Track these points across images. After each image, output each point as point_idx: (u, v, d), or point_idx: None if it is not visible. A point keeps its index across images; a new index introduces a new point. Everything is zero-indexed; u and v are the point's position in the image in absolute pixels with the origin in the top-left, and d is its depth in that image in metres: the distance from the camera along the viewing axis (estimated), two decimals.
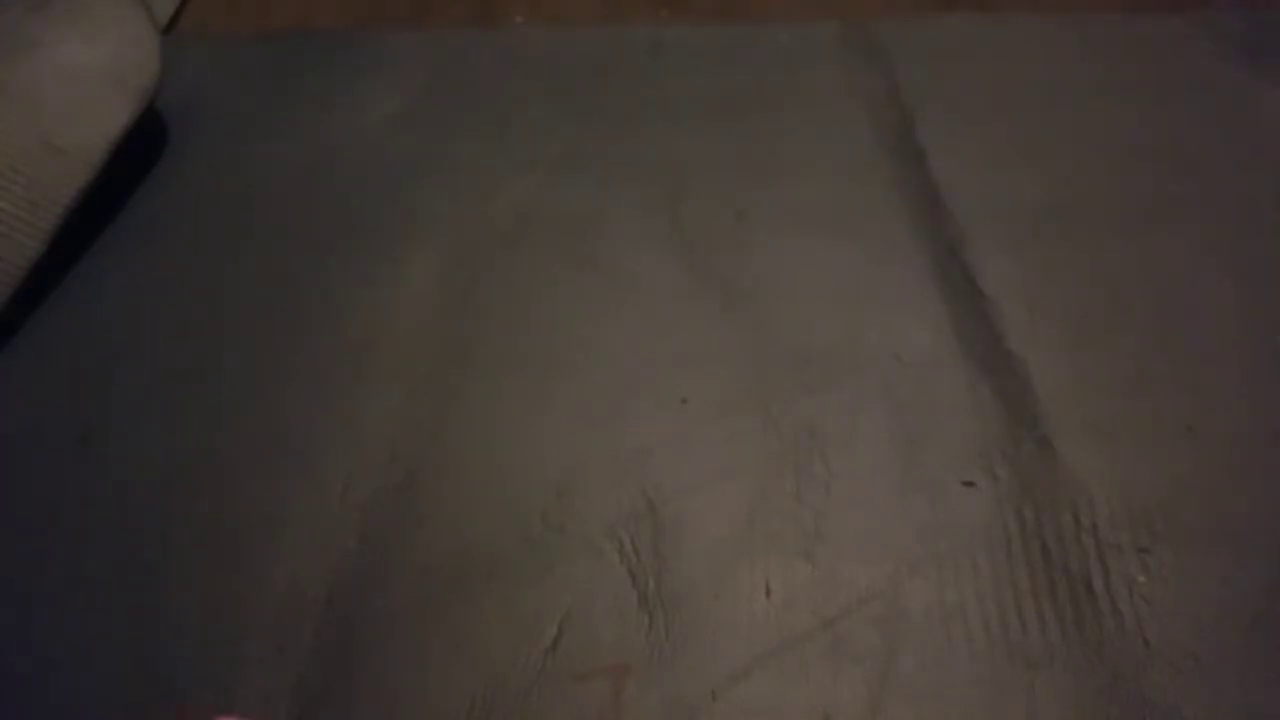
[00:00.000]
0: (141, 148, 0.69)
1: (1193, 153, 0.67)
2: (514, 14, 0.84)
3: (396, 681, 0.44)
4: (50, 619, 0.47)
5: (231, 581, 0.48)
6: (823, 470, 0.51)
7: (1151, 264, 0.60)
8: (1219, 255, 0.60)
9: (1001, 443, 0.51)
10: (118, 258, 0.64)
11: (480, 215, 0.65)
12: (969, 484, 0.50)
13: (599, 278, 0.61)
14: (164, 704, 0.43)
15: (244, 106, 0.75)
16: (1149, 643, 0.43)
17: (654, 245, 0.63)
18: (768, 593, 0.46)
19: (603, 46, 0.78)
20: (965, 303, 0.58)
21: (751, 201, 0.65)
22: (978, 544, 0.47)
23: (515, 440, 0.53)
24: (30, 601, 0.47)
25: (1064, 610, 0.45)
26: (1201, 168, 0.65)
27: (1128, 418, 0.52)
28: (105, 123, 0.64)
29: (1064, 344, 0.55)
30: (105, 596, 0.47)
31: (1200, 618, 0.44)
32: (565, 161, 0.69)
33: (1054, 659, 0.43)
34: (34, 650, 0.46)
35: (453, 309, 0.60)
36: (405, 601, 0.47)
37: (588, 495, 0.50)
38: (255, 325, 0.60)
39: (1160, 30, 0.76)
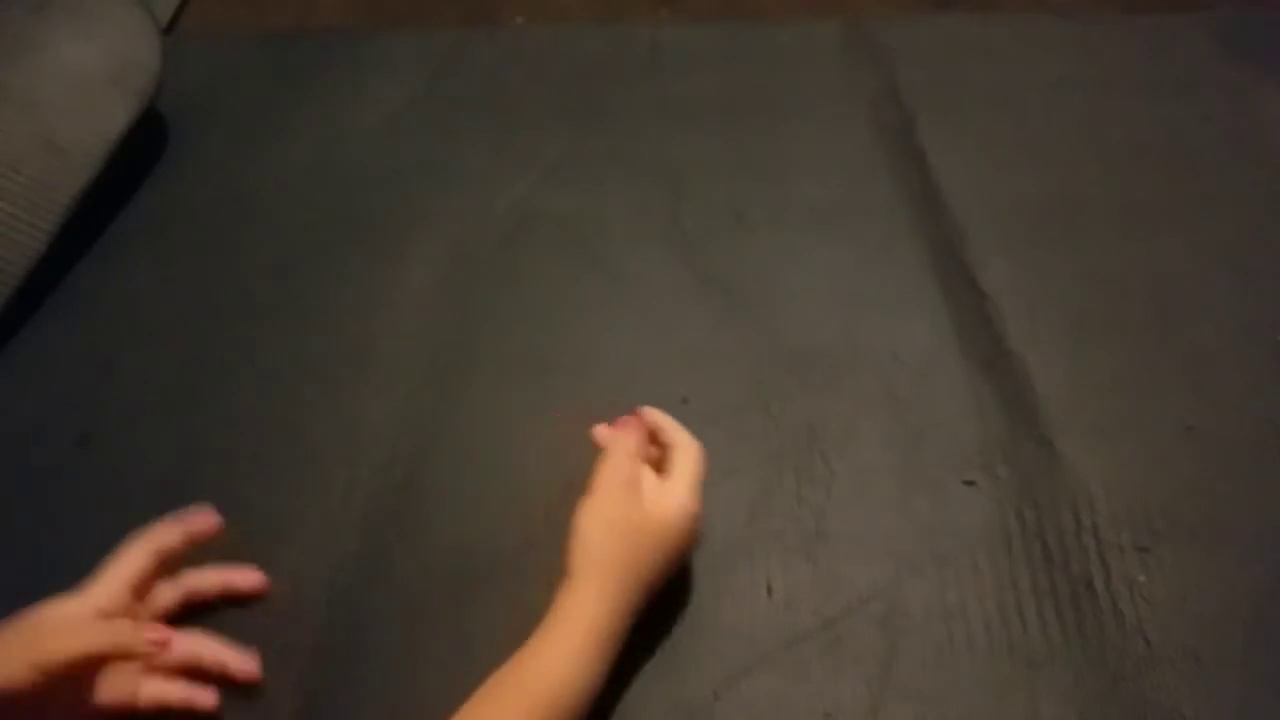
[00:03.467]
0: (141, 148, 0.69)
1: (1193, 153, 0.67)
2: (514, 14, 0.84)
3: (397, 680, 0.44)
4: None
5: None
6: (823, 470, 0.51)
7: (1151, 264, 0.60)
8: (1219, 255, 0.60)
9: (1001, 442, 0.51)
10: (118, 258, 0.64)
11: (480, 215, 0.65)
12: (969, 484, 0.50)
13: (599, 278, 0.61)
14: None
15: (244, 106, 0.74)
16: (1149, 643, 0.43)
17: (654, 245, 0.63)
18: (769, 592, 0.46)
19: (603, 46, 0.78)
20: (965, 302, 0.58)
21: (751, 201, 0.65)
22: (978, 544, 0.47)
23: (516, 440, 0.53)
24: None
25: (1065, 610, 0.45)
26: (1201, 168, 0.65)
27: (1128, 418, 0.52)
28: (105, 122, 0.64)
29: (1064, 344, 0.55)
30: None
31: (1200, 618, 0.44)
32: (565, 161, 0.69)
33: (1055, 659, 0.43)
34: None
35: (453, 309, 0.60)
36: (406, 601, 0.47)
37: None
38: (255, 325, 0.59)
39: (1160, 30, 0.76)
